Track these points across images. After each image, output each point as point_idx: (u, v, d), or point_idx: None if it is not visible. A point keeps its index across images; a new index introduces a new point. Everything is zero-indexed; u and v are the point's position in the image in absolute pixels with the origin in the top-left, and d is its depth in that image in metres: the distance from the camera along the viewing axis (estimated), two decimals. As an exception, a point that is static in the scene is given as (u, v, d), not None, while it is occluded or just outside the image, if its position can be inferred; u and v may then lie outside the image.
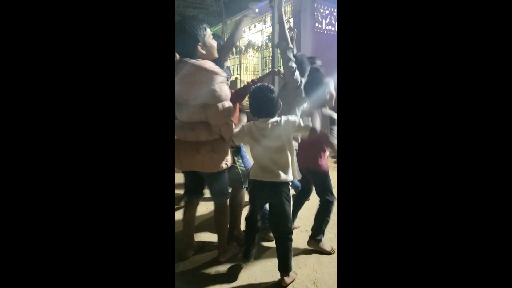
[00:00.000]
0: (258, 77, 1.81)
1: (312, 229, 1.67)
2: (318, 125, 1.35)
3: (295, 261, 1.53)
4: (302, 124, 1.31)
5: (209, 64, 1.33)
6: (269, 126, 1.33)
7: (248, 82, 1.71)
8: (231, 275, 1.46)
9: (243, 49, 8.11)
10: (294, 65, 1.72)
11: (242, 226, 1.70)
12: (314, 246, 1.67)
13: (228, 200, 1.60)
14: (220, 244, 1.59)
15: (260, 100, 1.34)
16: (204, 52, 1.37)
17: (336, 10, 6.14)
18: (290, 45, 1.72)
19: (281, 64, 1.75)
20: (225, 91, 1.37)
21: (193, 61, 1.30)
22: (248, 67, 8.75)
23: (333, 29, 6.17)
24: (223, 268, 1.53)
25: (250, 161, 1.76)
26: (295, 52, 1.80)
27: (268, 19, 6.78)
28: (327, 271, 1.47)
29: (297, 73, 1.74)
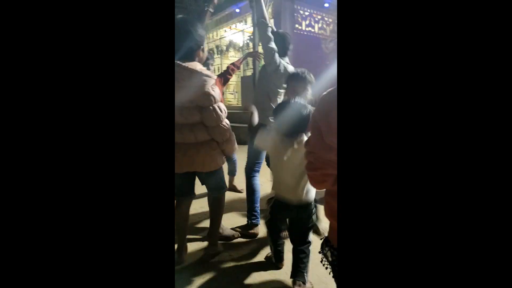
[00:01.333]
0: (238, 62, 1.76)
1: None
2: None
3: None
4: None
5: (200, 67, 1.35)
6: (297, 144, 1.25)
7: (228, 66, 1.71)
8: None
9: (224, 49, 8.08)
10: (274, 46, 1.70)
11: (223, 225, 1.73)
12: None
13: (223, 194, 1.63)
14: (212, 235, 1.63)
15: (292, 117, 1.24)
16: (202, 56, 1.42)
17: (316, 12, 6.25)
18: (269, 23, 1.68)
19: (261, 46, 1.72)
20: (217, 93, 1.40)
21: (185, 64, 1.31)
22: (229, 67, 8.70)
23: (313, 30, 6.28)
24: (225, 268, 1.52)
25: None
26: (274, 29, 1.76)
27: (249, 19, 6.80)
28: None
29: (276, 54, 1.71)
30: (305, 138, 1.26)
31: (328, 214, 0.82)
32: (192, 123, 1.39)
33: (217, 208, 1.61)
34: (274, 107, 1.68)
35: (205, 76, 1.34)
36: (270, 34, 1.68)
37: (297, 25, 6.05)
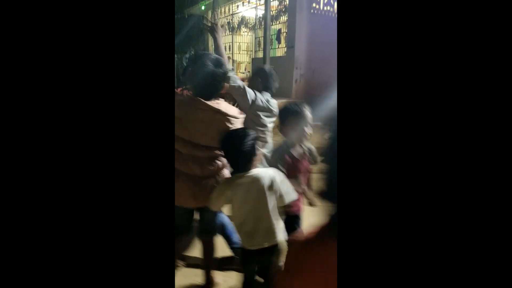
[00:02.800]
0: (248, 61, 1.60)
1: None
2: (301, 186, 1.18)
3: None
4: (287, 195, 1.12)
5: (225, 106, 1.22)
6: (250, 179, 1.09)
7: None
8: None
9: (236, 26, 7.60)
10: (239, 82, 1.50)
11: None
12: None
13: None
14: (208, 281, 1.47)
15: (234, 150, 1.11)
16: (225, 90, 1.30)
17: (336, -11, 5.66)
18: (228, 65, 1.43)
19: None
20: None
21: (209, 103, 1.17)
22: (241, 46, 8.27)
23: (331, 9, 5.71)
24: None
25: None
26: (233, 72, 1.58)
27: (263, -5, 6.27)
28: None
29: (248, 89, 1.53)
30: (256, 171, 1.11)
31: None
32: (201, 156, 1.23)
33: (209, 254, 1.44)
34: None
35: (231, 117, 1.20)
36: (230, 73, 1.46)
37: (314, 4, 5.51)
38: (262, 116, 1.60)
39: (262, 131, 1.61)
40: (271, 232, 1.11)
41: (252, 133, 1.13)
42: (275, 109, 1.63)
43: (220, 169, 1.27)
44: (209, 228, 1.40)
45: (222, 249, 1.61)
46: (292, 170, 1.28)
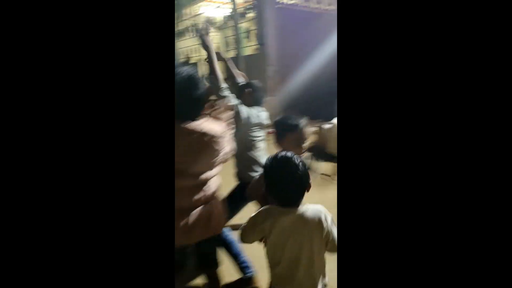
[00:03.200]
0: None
1: None
2: None
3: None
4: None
5: (210, 125, 1.09)
6: (297, 217, 0.90)
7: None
8: None
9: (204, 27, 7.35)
10: (233, 101, 1.47)
11: None
12: None
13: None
14: None
15: (283, 179, 0.91)
16: (207, 109, 1.16)
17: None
18: (222, 84, 1.39)
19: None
20: (229, 150, 1.16)
21: (196, 127, 1.04)
22: (209, 47, 8.01)
23: (297, 2, 5.67)
24: None
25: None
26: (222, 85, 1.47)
27: (227, -7, 6.08)
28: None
29: (242, 109, 1.54)
30: (307, 206, 0.93)
31: None
32: (189, 186, 1.08)
33: None
34: (254, 157, 1.64)
35: (217, 137, 1.06)
36: (224, 92, 1.42)
37: (280, -1, 5.43)
38: (254, 130, 1.66)
39: (254, 140, 1.68)
40: (311, 283, 0.93)
41: (302, 160, 0.94)
42: (266, 121, 1.74)
43: (211, 196, 1.13)
44: (210, 262, 1.26)
45: (228, 270, 1.48)
46: None
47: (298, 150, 1.21)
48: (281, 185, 0.92)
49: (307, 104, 4.28)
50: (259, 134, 1.72)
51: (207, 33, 1.43)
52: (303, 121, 1.24)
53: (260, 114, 1.72)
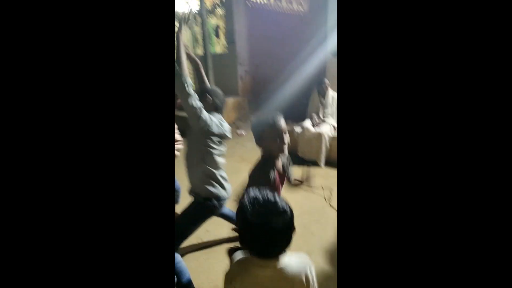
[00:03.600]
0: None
1: None
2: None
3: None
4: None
5: None
6: (282, 273, 0.73)
7: None
8: None
9: (169, 23, 7.03)
10: (197, 103, 1.35)
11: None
12: None
13: None
14: None
15: (263, 229, 0.70)
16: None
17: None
18: (188, 78, 1.30)
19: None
20: None
21: None
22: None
23: (268, 2, 5.61)
24: None
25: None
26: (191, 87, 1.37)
27: (195, -11, 5.85)
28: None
29: (204, 113, 1.39)
30: (289, 258, 0.77)
31: None
32: None
33: None
34: (209, 168, 1.48)
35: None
36: (190, 90, 1.32)
37: (250, -3, 5.33)
38: (214, 141, 1.46)
39: (212, 153, 1.48)
40: None
41: (289, 206, 0.75)
42: (229, 134, 1.56)
43: None
44: None
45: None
46: (278, 186, 1.17)
47: (279, 146, 1.13)
48: (261, 236, 0.71)
49: (278, 105, 4.22)
50: (220, 148, 1.52)
51: (179, 30, 1.37)
52: (277, 116, 1.16)
53: (223, 124, 1.53)
